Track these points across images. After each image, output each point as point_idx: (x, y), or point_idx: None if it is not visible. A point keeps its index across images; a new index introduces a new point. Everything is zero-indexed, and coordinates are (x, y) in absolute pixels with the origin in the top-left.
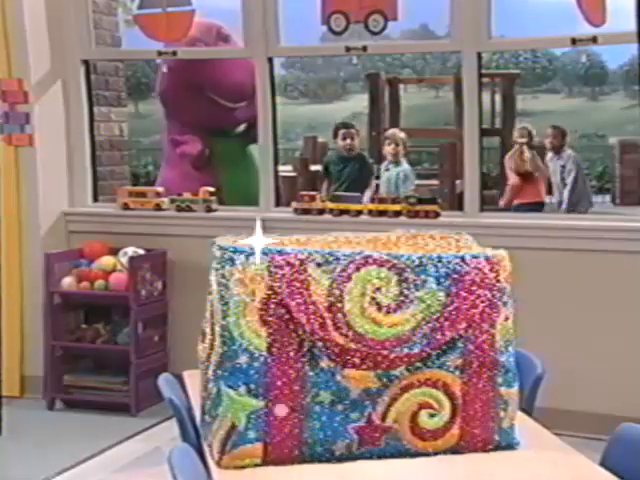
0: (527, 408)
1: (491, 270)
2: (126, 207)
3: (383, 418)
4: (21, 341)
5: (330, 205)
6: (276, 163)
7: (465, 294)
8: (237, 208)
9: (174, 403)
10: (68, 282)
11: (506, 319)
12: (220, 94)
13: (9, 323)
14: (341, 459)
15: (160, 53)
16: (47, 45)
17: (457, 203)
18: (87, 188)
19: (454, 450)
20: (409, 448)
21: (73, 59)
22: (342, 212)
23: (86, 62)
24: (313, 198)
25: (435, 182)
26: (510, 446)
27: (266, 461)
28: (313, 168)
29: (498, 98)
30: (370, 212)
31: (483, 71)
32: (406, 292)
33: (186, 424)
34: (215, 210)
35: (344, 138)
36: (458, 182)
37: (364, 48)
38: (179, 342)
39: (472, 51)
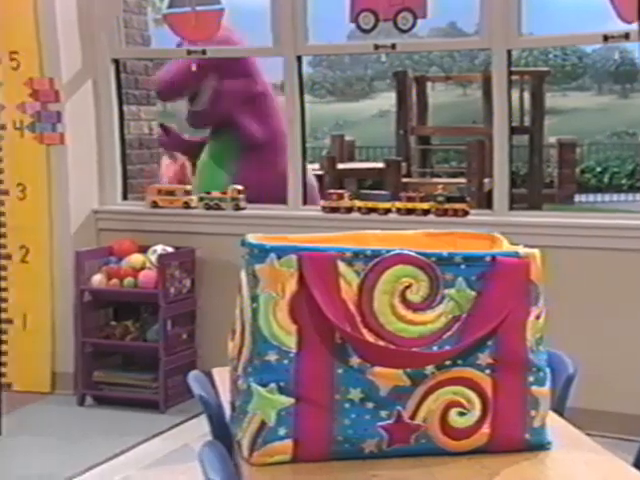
0: (558, 408)
1: (523, 268)
2: (155, 205)
3: (413, 416)
4: (52, 338)
5: (358, 203)
6: (304, 162)
7: (496, 292)
8: (265, 206)
9: (204, 400)
10: (98, 279)
11: (537, 318)
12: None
13: (40, 320)
14: (371, 457)
15: (189, 52)
16: (78, 44)
17: (485, 201)
18: (117, 186)
19: (484, 449)
20: (439, 446)
21: (103, 58)
22: (370, 210)
23: (116, 61)
24: (341, 196)
25: (463, 180)
26: (541, 446)
27: (295, 458)
28: (340, 166)
29: (527, 96)
30: (398, 210)
31: (512, 69)
32: (436, 290)
33: (216, 421)
34: (244, 208)
35: None
36: (486, 180)
37: (393, 46)
38: (207, 339)
39: (502, 48)
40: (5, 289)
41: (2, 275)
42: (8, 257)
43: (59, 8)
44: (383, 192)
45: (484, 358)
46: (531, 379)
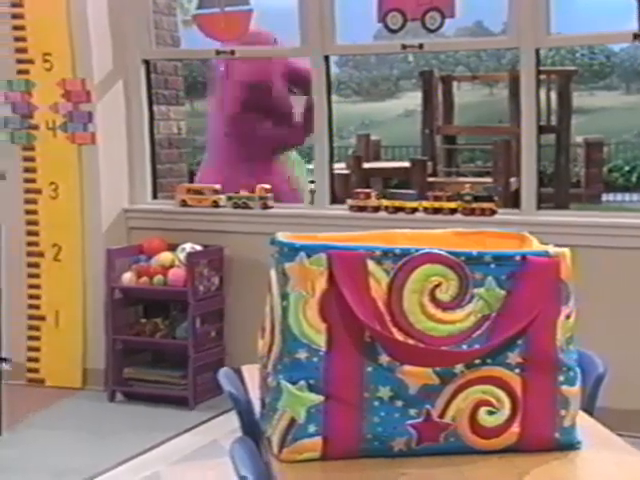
0: (588, 408)
1: (553, 268)
2: (184, 204)
3: (442, 415)
4: (83, 335)
5: (385, 202)
6: (331, 161)
7: (526, 292)
8: (293, 205)
9: (234, 396)
10: (128, 277)
11: (567, 317)
12: None
13: (72, 317)
14: (399, 455)
15: (218, 52)
16: (109, 46)
17: (511, 201)
18: (147, 185)
19: (514, 448)
20: (468, 445)
21: (134, 59)
22: (397, 209)
23: (146, 62)
24: (368, 195)
25: (488, 179)
26: (571, 445)
27: (325, 455)
28: (366, 166)
29: (554, 95)
30: (425, 209)
31: (540, 68)
32: (466, 289)
33: (246, 417)
34: (271, 207)
35: None
36: (512, 180)
37: (420, 46)
38: (235, 337)
39: (530, 48)
40: (38, 286)
41: (35, 273)
42: (41, 255)
43: (91, 10)
44: (410, 191)
45: (514, 357)
46: (561, 378)
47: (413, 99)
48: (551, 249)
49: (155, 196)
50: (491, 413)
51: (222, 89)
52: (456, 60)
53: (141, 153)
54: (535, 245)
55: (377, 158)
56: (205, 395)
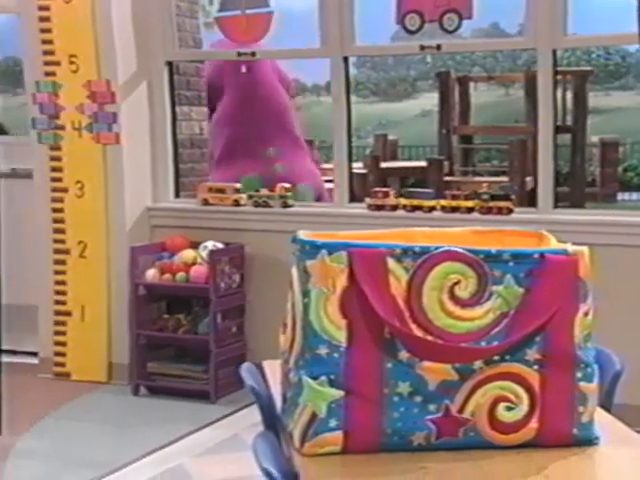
0: (606, 404)
1: (571, 266)
2: (206, 203)
3: (461, 410)
4: (108, 330)
5: (403, 201)
6: (350, 160)
7: (544, 289)
8: (312, 204)
9: (256, 391)
10: (152, 274)
11: (586, 315)
12: None
13: (97, 313)
14: (419, 449)
15: (239, 54)
16: (133, 48)
17: (527, 200)
18: (169, 184)
19: (533, 443)
20: (487, 440)
21: (157, 61)
22: (415, 208)
23: (169, 63)
24: (387, 194)
25: (505, 179)
26: (589, 441)
27: (345, 449)
28: (384, 165)
29: (569, 95)
30: (443, 208)
31: (556, 68)
32: (484, 287)
33: (267, 411)
34: (291, 206)
35: None
36: (528, 179)
37: (438, 47)
38: (256, 332)
39: (547, 48)
40: (64, 283)
41: (62, 269)
42: (67, 252)
43: (115, 14)
44: (428, 190)
45: (532, 354)
46: (579, 375)
47: (430, 99)
48: (570, 247)
49: (177, 195)
50: (510, 409)
51: (243, 89)
52: (472, 61)
53: (164, 153)
54: (553, 243)
55: (394, 158)
56: (226, 389)
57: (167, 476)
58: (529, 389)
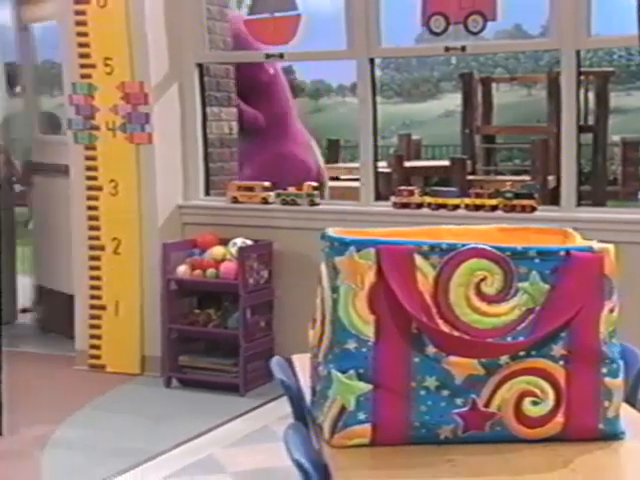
0: (631, 400)
1: (597, 263)
2: (235, 201)
3: (487, 404)
4: (141, 324)
5: (428, 199)
6: (376, 160)
7: (570, 286)
8: (339, 202)
9: (287, 384)
10: (183, 270)
11: (611, 311)
12: None
13: (131, 307)
14: (446, 442)
15: (268, 56)
16: (165, 50)
17: (549, 198)
18: (200, 183)
19: (559, 437)
20: (513, 434)
21: (188, 63)
22: (439, 206)
23: (200, 65)
24: (412, 193)
25: (527, 178)
26: (615, 435)
27: (374, 441)
28: (407, 164)
29: (591, 95)
30: (467, 206)
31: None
32: (510, 283)
33: (297, 404)
34: (318, 204)
35: None
36: (550, 178)
37: (463, 48)
38: (284, 327)
39: (571, 49)
40: (99, 278)
41: (97, 265)
42: (102, 248)
43: (148, 18)
44: (452, 189)
45: (558, 350)
46: (604, 370)
47: (453, 100)
48: (595, 245)
49: (207, 193)
50: (535, 403)
51: (272, 91)
52: (495, 62)
53: (194, 152)
54: (578, 241)
55: (418, 157)
56: (255, 382)
57: (199, 466)
58: (555, 384)
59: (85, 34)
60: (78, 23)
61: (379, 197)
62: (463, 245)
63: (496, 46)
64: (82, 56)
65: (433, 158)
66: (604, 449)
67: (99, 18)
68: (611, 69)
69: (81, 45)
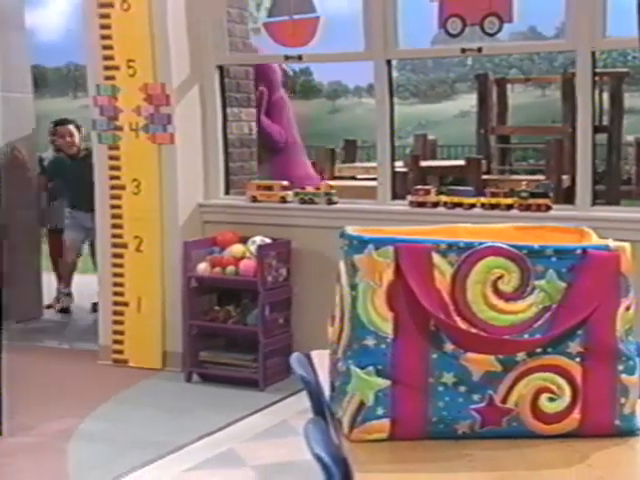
0: None
1: (613, 261)
2: (254, 200)
3: (504, 400)
4: (163, 320)
5: (444, 198)
6: (393, 159)
7: (586, 284)
8: (356, 201)
9: (306, 379)
10: (203, 268)
11: (627, 309)
12: None
13: (153, 304)
14: (464, 437)
15: (287, 57)
16: (187, 53)
17: (563, 198)
18: (220, 182)
19: (575, 433)
20: (530, 430)
21: (209, 65)
22: (455, 205)
23: (220, 67)
24: (428, 192)
25: (541, 177)
26: (631, 432)
27: (392, 436)
28: (423, 164)
29: (606, 96)
30: (482, 205)
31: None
32: (527, 281)
33: (316, 399)
34: (336, 203)
35: (62, 136)
36: (564, 177)
37: (479, 49)
38: (302, 324)
39: (586, 50)
40: (122, 275)
41: (119, 262)
42: (124, 246)
43: (170, 21)
44: (468, 188)
45: (574, 347)
46: (621, 368)
47: (468, 101)
48: (611, 243)
49: (227, 192)
50: (552, 399)
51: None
52: (509, 63)
53: (215, 152)
54: (594, 239)
55: (434, 157)
56: (274, 378)
57: (220, 459)
58: (571, 381)
59: (109, 37)
60: (102, 26)
61: (396, 196)
62: (480, 243)
63: (512, 47)
64: (106, 58)
65: (448, 158)
66: (620, 445)
67: (123, 21)
68: (625, 70)
69: (105, 47)
